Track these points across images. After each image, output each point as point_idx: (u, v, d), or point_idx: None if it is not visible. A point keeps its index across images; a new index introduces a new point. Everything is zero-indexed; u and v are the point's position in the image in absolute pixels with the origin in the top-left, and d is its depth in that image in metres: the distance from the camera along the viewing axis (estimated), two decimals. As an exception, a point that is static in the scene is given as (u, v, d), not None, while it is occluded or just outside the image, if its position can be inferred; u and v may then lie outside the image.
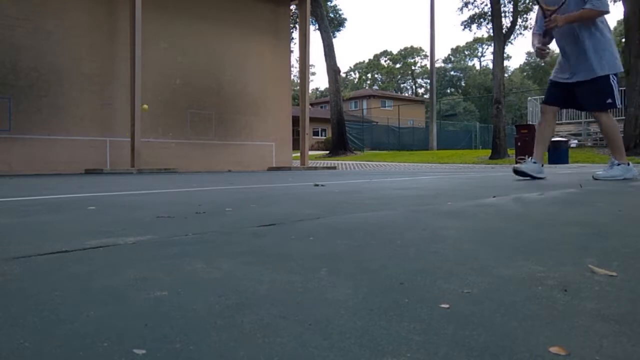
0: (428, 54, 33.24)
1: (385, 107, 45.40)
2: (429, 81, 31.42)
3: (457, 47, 70.18)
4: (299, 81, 12.37)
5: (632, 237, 1.37)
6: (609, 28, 4.16)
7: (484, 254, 1.11)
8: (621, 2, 14.91)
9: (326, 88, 52.21)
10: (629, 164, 4.16)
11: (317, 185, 3.97)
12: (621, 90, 17.24)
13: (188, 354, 0.54)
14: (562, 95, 4.29)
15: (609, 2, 4.12)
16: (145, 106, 8.95)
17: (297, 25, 14.08)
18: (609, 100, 4.00)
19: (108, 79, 9.50)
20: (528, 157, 4.41)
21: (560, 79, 4.28)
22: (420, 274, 0.92)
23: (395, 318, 0.67)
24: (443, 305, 0.72)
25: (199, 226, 1.55)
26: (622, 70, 4.20)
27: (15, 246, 1.22)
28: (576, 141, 17.02)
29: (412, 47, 69.56)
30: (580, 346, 0.57)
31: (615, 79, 4.09)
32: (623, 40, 15.97)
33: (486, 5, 25.11)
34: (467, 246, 1.21)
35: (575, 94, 4.22)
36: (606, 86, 4.03)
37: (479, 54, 69.38)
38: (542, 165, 4.33)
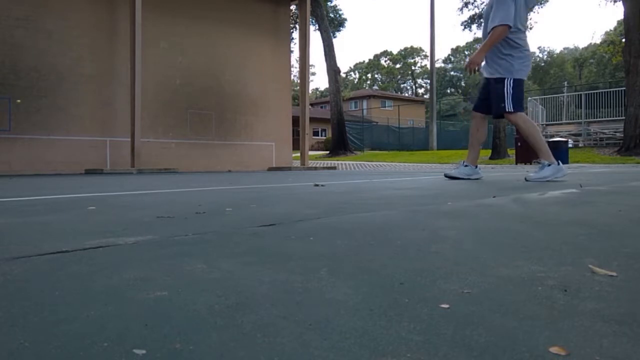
0: (428, 54, 33.24)
1: (385, 107, 45.38)
2: (429, 81, 31.41)
3: (457, 47, 70.12)
4: (299, 81, 12.37)
5: (632, 237, 1.37)
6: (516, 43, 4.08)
7: (484, 254, 1.10)
8: (621, 2, 14.90)
9: (326, 88, 52.22)
10: (558, 163, 4.06)
11: (317, 185, 3.97)
12: (621, 90, 17.19)
13: (188, 354, 0.54)
14: (483, 97, 4.30)
15: (512, 17, 3.95)
16: None
17: (297, 25, 14.08)
18: (503, 104, 3.99)
19: (108, 79, 9.50)
20: (461, 162, 4.58)
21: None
22: (420, 274, 0.92)
23: (395, 318, 0.66)
24: (443, 305, 0.72)
25: (199, 226, 1.55)
26: (519, 77, 4.08)
27: (15, 246, 1.22)
28: (571, 141, 17.00)
29: (412, 47, 69.58)
30: (580, 346, 0.57)
31: (512, 83, 4.01)
32: (623, 40, 15.95)
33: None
34: (467, 246, 1.21)
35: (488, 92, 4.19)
36: (502, 90, 4.01)
37: (479, 54, 69.17)
38: (476, 167, 4.52)
